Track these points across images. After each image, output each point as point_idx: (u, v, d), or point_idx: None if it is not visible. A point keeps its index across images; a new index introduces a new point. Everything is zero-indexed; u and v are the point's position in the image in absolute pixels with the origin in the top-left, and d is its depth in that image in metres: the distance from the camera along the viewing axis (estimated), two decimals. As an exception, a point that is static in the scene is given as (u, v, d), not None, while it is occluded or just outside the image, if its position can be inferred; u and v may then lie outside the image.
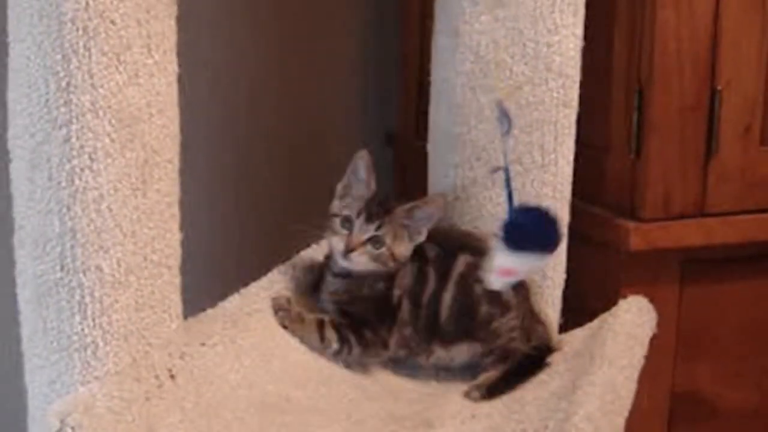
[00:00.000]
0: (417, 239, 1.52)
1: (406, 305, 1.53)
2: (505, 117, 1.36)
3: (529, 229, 1.31)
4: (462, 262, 1.52)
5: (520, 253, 1.30)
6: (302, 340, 1.48)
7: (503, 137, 1.38)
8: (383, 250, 1.49)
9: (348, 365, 1.51)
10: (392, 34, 2.26)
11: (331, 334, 1.49)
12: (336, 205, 1.53)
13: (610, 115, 1.68)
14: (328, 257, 1.56)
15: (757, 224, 1.68)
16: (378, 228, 1.49)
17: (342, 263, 1.51)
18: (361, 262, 1.50)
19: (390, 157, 2.26)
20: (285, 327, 1.48)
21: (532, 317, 1.56)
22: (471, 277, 1.51)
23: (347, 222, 1.50)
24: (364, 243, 1.49)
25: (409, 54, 2.14)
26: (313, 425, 1.35)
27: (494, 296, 1.50)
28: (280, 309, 1.49)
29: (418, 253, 1.53)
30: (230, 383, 1.33)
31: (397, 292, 1.53)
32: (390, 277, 1.52)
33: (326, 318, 1.50)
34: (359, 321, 1.51)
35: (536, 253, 1.32)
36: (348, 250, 1.49)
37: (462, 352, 1.53)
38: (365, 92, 2.31)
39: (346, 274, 1.52)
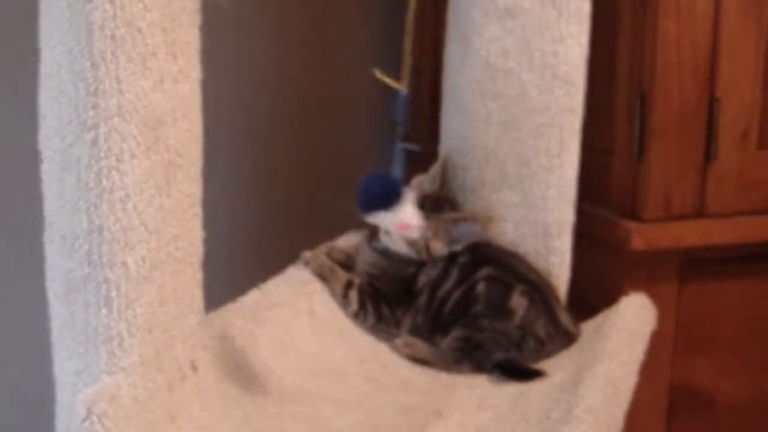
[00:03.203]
0: (454, 246, 1.57)
1: (424, 295, 1.57)
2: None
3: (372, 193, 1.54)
4: (483, 273, 1.55)
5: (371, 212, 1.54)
6: (330, 292, 1.56)
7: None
8: (420, 240, 1.55)
9: (364, 330, 1.57)
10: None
11: (353, 296, 1.56)
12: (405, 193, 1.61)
13: (613, 120, 1.67)
14: (372, 234, 1.62)
15: (754, 225, 1.67)
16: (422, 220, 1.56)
17: (383, 238, 1.58)
18: (398, 242, 1.57)
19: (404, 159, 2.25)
20: (319, 276, 1.56)
21: (550, 320, 1.54)
22: (481, 281, 1.54)
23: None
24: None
25: (422, 61, 2.14)
26: (328, 415, 1.35)
27: (495, 299, 1.53)
28: (314, 259, 1.58)
29: (452, 254, 1.58)
30: (249, 374, 1.33)
31: (422, 280, 1.57)
32: (420, 266, 1.58)
33: (356, 280, 1.57)
34: (381, 297, 1.57)
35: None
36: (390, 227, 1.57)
37: (450, 338, 1.54)
38: (382, 97, 2.30)
39: (384, 253, 1.59)
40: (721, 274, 1.70)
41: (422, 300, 1.57)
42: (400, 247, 1.57)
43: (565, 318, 1.55)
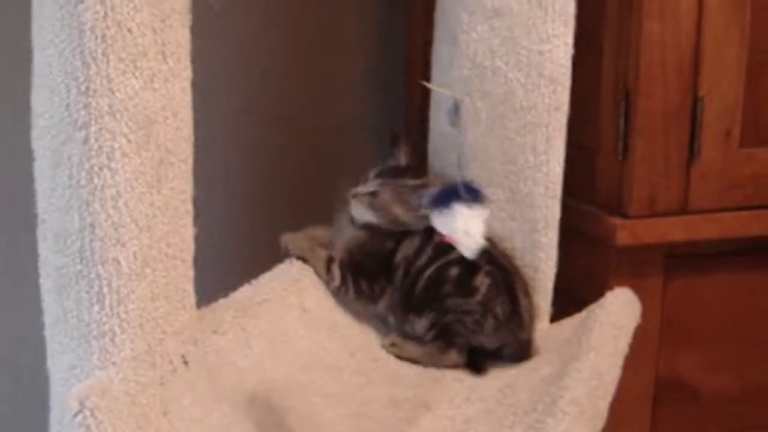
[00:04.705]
0: (419, 212, 1.54)
1: (401, 270, 1.57)
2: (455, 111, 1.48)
3: (449, 192, 1.44)
4: (456, 255, 1.51)
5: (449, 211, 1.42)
6: (314, 270, 1.56)
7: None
8: (379, 204, 1.55)
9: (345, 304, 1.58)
10: (399, 42, 2.25)
11: (335, 270, 1.56)
12: None
13: (598, 118, 1.66)
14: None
15: (736, 221, 1.66)
16: (380, 185, 1.55)
17: (350, 207, 1.58)
18: (359, 209, 1.57)
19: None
20: (300, 258, 1.56)
21: (509, 301, 1.54)
22: (454, 264, 1.53)
23: (366, 179, 1.58)
24: (365, 194, 1.56)
25: (414, 60, 2.13)
26: (319, 408, 1.34)
27: (463, 279, 1.53)
28: (293, 240, 1.58)
29: (430, 232, 1.55)
30: (240, 368, 1.32)
31: (399, 257, 1.57)
32: (399, 242, 1.57)
33: (337, 255, 1.57)
34: (361, 271, 1.57)
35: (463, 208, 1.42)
36: (351, 196, 1.56)
37: (423, 325, 1.54)
38: (373, 95, 2.29)
39: (364, 227, 1.58)
40: (704, 269, 1.70)
41: (399, 276, 1.57)
42: (360, 213, 1.56)
43: (525, 304, 1.56)
